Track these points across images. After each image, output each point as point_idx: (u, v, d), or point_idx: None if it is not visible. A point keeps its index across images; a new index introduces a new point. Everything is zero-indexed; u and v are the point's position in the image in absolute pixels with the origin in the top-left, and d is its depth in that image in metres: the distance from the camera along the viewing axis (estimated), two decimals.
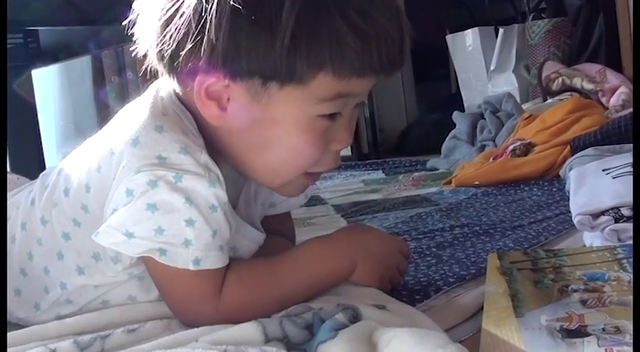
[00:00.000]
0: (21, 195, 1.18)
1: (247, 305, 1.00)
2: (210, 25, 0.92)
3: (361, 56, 0.93)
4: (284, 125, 0.99)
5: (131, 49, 1.03)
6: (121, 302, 1.07)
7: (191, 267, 0.96)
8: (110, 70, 3.78)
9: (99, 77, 3.82)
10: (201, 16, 0.93)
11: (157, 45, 0.98)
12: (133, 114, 1.02)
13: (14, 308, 1.12)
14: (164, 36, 0.96)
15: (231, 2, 0.91)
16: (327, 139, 1.02)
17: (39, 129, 2.51)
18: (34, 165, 2.39)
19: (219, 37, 0.92)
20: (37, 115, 2.49)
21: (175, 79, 1.01)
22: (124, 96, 3.77)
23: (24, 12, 2.21)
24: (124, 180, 0.96)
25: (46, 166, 2.53)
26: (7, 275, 1.11)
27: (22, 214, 1.12)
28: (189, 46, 0.94)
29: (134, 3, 1.02)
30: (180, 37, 0.94)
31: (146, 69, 1.03)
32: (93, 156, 1.03)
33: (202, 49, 0.93)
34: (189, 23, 0.94)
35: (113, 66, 3.77)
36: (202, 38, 0.93)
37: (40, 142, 2.52)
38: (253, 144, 1.01)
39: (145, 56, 1.01)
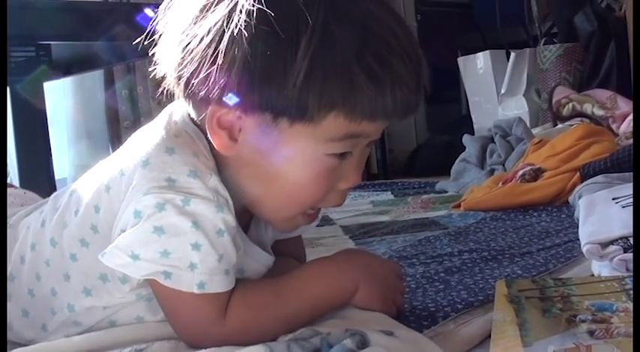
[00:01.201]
0: (32, 215, 1.17)
1: (252, 325, 1.00)
2: (226, 55, 0.92)
3: (374, 100, 0.93)
4: (291, 161, 0.98)
5: (149, 69, 1.03)
6: (129, 322, 1.07)
7: (195, 291, 0.96)
8: (121, 84, 3.79)
9: (110, 91, 3.83)
10: (218, 46, 0.92)
11: (175, 68, 0.98)
12: (146, 136, 1.03)
13: (23, 329, 1.12)
14: (182, 60, 0.96)
15: (248, 35, 0.91)
16: (334, 177, 1.02)
17: (49, 142, 2.51)
18: (44, 177, 2.39)
19: (233, 68, 0.92)
20: (47, 128, 2.49)
21: (190, 104, 1.02)
22: (135, 111, 3.79)
23: (36, 27, 2.22)
24: (132, 202, 0.96)
25: (56, 179, 2.54)
26: (17, 296, 1.11)
27: (32, 235, 1.12)
28: (203, 74, 0.93)
29: (158, 23, 1.01)
30: (196, 64, 0.94)
31: (162, 91, 1.03)
32: (103, 177, 1.03)
33: (216, 79, 0.93)
34: (206, 51, 0.93)
35: (124, 80, 3.79)
36: (217, 68, 0.92)
37: (51, 155, 2.52)
38: (260, 177, 1.01)
39: (163, 78, 1.01)
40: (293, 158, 0.98)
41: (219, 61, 0.92)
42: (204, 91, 0.94)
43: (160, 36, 1.01)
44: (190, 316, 0.99)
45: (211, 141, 1.00)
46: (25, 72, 2.35)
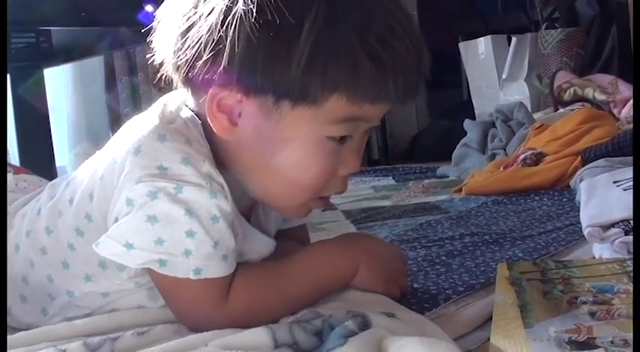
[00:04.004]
0: (29, 205, 1.17)
1: (255, 307, 1.00)
2: (228, 38, 0.91)
3: (377, 83, 0.93)
4: (293, 144, 0.98)
5: (147, 56, 1.03)
6: (130, 307, 1.07)
7: (192, 277, 0.96)
8: (121, 71, 3.78)
9: (110, 77, 3.82)
10: (220, 29, 0.92)
11: (174, 53, 0.98)
12: (138, 124, 1.02)
13: (22, 314, 1.12)
14: (182, 45, 0.96)
15: (252, 17, 0.90)
16: (335, 162, 1.01)
17: (50, 129, 2.50)
18: (44, 164, 2.39)
19: (236, 51, 0.91)
20: (48, 114, 2.49)
21: (189, 90, 1.02)
22: (135, 97, 3.78)
23: (36, 12, 2.21)
24: (124, 190, 0.96)
25: (57, 166, 2.54)
26: (11, 283, 1.11)
27: (28, 223, 1.12)
28: (205, 56, 0.93)
29: (157, 10, 1.01)
30: (198, 47, 0.94)
31: (160, 77, 1.03)
32: (98, 165, 1.03)
33: (218, 61, 0.93)
34: (210, 34, 0.93)
35: (124, 67, 3.78)
36: (220, 51, 0.92)
37: (51, 141, 2.51)
38: (261, 162, 1.01)
39: (160, 64, 1.01)
40: (294, 141, 0.98)
41: (222, 44, 0.92)
42: (205, 75, 0.94)
43: (158, 22, 1.01)
44: (190, 301, 0.99)
45: (211, 125, 0.99)
46: (25, 58, 2.34)
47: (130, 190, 0.95)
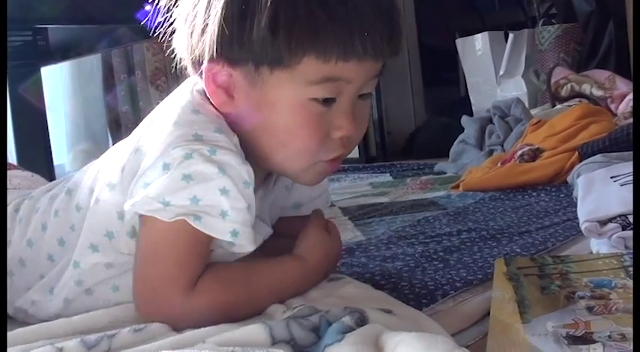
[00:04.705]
0: (57, 188, 1.21)
1: (218, 303, 1.00)
2: (211, 16, 1.00)
3: (341, 41, 0.98)
4: (279, 108, 1.03)
5: (173, 56, 1.11)
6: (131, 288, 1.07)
7: (229, 238, 0.99)
8: (119, 69, 3.78)
9: (108, 75, 3.82)
10: (207, 12, 1.01)
11: (182, 41, 1.07)
12: (172, 102, 1.09)
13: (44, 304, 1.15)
14: (186, 32, 1.05)
15: None
16: (323, 124, 1.05)
17: (47, 127, 2.50)
18: (42, 162, 2.39)
19: (216, 27, 1.00)
20: (45, 113, 2.48)
21: (199, 75, 1.08)
22: (133, 95, 3.78)
23: (33, 10, 2.21)
24: (161, 156, 1.00)
25: (54, 164, 2.54)
26: (35, 263, 1.15)
27: (58, 203, 1.16)
28: (197, 37, 1.03)
29: (172, 10, 1.09)
30: (197, 33, 1.03)
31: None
32: (135, 138, 1.10)
33: (204, 37, 1.02)
34: (198, 16, 1.03)
35: (122, 65, 3.78)
36: (204, 27, 1.01)
37: (49, 140, 2.51)
38: (259, 129, 1.06)
39: (161, 63, 1.09)
40: (278, 105, 1.03)
41: (205, 19, 1.01)
42: (198, 52, 1.03)
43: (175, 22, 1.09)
44: (161, 272, 1.00)
45: (213, 102, 1.06)
46: (23, 56, 2.34)
47: (166, 155, 0.99)
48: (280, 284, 1.07)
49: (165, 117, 1.06)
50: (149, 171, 1.00)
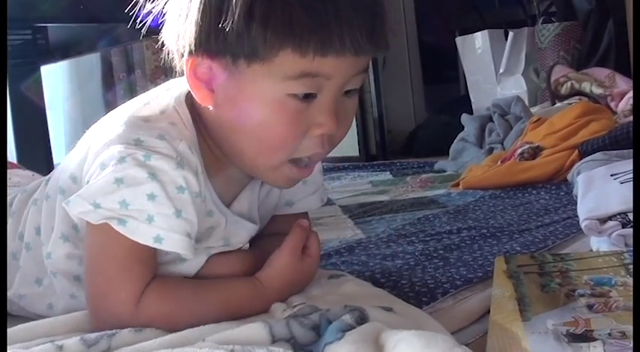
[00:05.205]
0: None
1: (164, 314, 0.99)
2: (191, 9, 1.00)
3: (318, 36, 0.95)
4: (255, 103, 1.01)
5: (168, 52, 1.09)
6: None
7: (151, 244, 0.98)
8: (119, 68, 3.78)
9: (108, 74, 3.82)
10: (189, 3, 1.00)
11: (173, 40, 1.05)
12: (132, 104, 1.09)
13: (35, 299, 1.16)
14: (174, 28, 1.04)
15: None
16: (302, 121, 1.02)
17: (47, 126, 2.50)
18: (41, 160, 2.39)
19: (195, 18, 0.99)
20: (45, 111, 2.49)
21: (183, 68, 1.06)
22: (133, 94, 3.77)
23: (33, 9, 2.21)
24: (100, 155, 1.01)
25: (54, 162, 2.54)
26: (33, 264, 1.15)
27: (37, 192, 1.18)
28: (180, 29, 1.02)
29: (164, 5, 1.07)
30: (180, 25, 1.02)
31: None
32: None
33: (185, 31, 1.01)
34: (186, 11, 1.01)
35: (122, 63, 3.78)
36: (187, 22, 1.01)
37: (49, 138, 2.51)
38: (234, 123, 1.03)
39: (160, 61, 1.10)
40: (255, 99, 1.01)
41: (187, 11, 1.00)
42: (181, 44, 1.02)
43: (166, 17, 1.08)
44: (109, 279, 0.99)
45: (195, 98, 1.04)
46: (22, 55, 2.35)
47: (103, 154, 1.00)
48: (229, 303, 1.03)
49: (124, 112, 1.06)
50: (91, 168, 1.02)
